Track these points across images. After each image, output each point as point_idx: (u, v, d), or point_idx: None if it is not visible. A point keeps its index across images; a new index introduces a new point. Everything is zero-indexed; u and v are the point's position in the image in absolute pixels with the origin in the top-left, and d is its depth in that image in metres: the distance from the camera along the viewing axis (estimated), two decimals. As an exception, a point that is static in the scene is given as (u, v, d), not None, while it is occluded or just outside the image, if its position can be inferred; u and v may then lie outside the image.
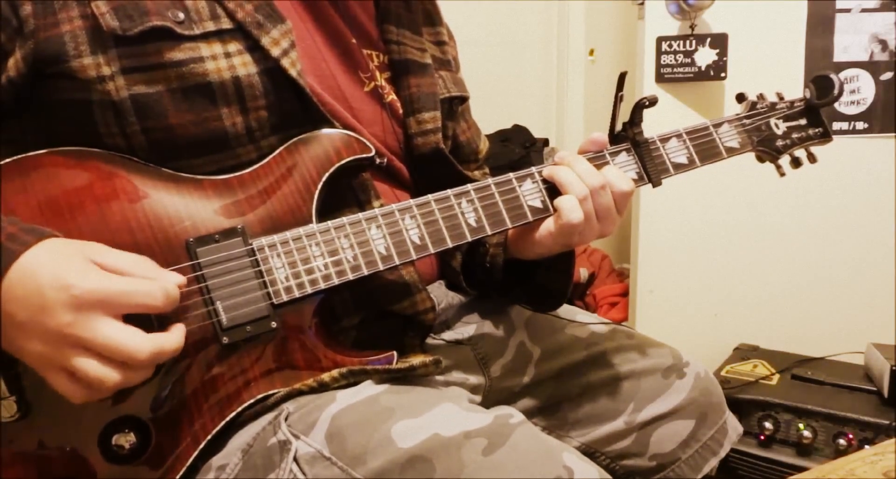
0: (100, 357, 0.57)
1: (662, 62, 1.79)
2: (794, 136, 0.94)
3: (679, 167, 0.87)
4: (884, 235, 1.78)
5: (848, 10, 1.73)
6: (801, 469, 1.44)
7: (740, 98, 0.95)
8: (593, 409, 0.90)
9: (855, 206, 1.80)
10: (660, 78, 1.80)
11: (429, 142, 0.87)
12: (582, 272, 2.26)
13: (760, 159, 0.96)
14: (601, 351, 0.92)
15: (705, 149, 0.88)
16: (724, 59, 1.77)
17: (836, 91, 0.92)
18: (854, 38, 1.74)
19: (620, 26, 2.46)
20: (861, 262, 1.81)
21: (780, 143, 0.94)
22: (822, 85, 0.94)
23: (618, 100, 0.87)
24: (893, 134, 1.75)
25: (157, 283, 0.60)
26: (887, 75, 1.74)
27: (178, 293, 0.62)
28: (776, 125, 0.93)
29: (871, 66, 1.74)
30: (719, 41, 1.76)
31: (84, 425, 0.65)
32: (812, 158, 0.97)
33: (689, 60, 1.78)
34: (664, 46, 1.78)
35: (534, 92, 2.63)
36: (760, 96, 0.95)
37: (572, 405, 0.90)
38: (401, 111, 0.88)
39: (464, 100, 0.99)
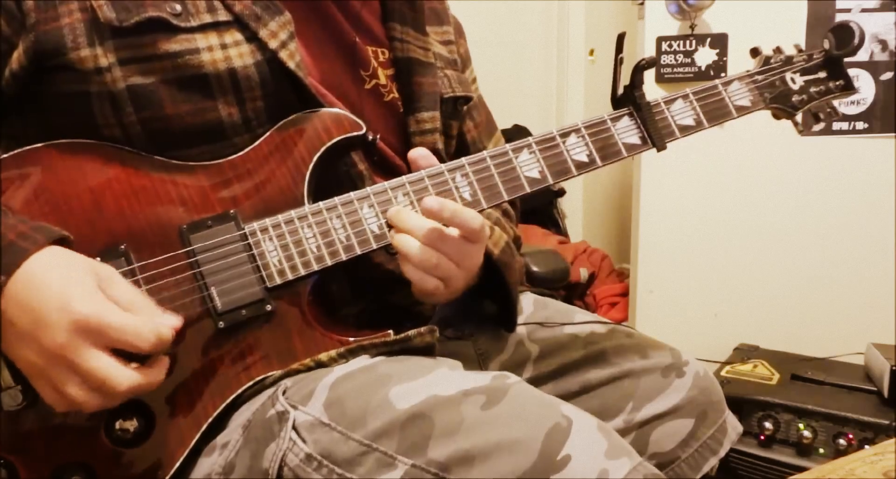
0: (82, 382, 0.59)
1: (662, 62, 1.79)
2: (812, 90, 0.89)
3: (685, 129, 0.82)
4: (884, 235, 1.77)
5: (848, 10, 1.73)
6: (801, 469, 1.43)
7: (754, 53, 0.89)
8: (592, 407, 0.89)
9: (855, 206, 1.79)
10: (660, 78, 1.80)
11: (426, 142, 0.87)
12: (582, 272, 2.25)
13: (777, 116, 0.91)
14: (600, 350, 0.91)
15: (714, 109, 0.84)
16: (724, 59, 1.77)
17: (856, 40, 0.87)
18: (854, 38, 1.74)
19: (620, 26, 2.46)
20: (861, 262, 1.81)
21: (795, 98, 0.89)
22: (841, 35, 0.88)
23: (618, 63, 0.84)
24: (893, 134, 1.75)
25: (152, 327, 0.61)
26: (887, 75, 1.74)
27: (171, 338, 0.62)
28: (792, 80, 0.88)
29: (871, 66, 1.74)
30: (719, 41, 1.76)
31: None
32: (835, 112, 0.92)
33: (689, 60, 1.79)
34: (664, 46, 1.79)
35: (534, 92, 2.63)
36: (777, 50, 0.89)
37: (570, 404, 0.90)
38: (401, 109, 0.88)
39: (468, 100, 0.98)
